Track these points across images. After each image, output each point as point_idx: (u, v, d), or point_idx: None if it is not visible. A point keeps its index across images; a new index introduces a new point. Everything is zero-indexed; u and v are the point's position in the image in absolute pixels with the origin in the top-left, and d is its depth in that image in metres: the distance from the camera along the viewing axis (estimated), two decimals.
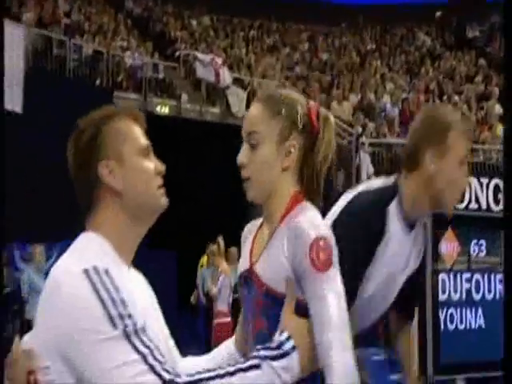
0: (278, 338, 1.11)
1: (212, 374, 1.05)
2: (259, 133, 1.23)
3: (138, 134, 1.20)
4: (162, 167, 1.20)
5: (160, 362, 1.03)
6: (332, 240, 1.17)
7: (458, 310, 2.74)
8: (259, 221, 1.33)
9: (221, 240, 5.78)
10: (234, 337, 1.33)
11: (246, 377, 1.05)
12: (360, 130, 10.68)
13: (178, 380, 1.03)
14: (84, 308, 1.04)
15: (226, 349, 1.33)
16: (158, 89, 10.89)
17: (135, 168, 1.16)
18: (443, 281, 2.73)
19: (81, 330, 1.03)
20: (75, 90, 9.11)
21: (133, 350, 1.02)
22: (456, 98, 12.05)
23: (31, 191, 7.55)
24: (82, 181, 1.18)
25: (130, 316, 1.05)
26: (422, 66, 13.71)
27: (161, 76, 11.15)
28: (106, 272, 1.07)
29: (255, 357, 1.08)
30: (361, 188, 1.64)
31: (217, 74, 11.27)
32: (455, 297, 2.73)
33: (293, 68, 13.23)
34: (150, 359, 1.02)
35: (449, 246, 2.77)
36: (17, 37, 8.08)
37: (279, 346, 1.09)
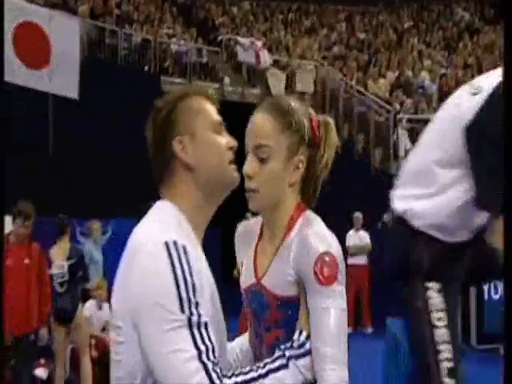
0: (298, 337, 1.11)
1: (247, 377, 1.05)
2: (269, 147, 1.16)
3: (210, 110, 1.18)
4: (234, 142, 1.17)
5: (213, 363, 1.02)
6: (339, 256, 1.13)
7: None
8: (254, 223, 1.27)
9: (250, 216, 5.64)
10: (247, 334, 1.29)
11: (276, 377, 1.06)
12: (398, 107, 10.36)
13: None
14: (159, 284, 1.02)
15: (239, 345, 1.29)
16: (202, 73, 10.88)
17: (207, 142, 1.14)
18: None
19: (153, 303, 1.02)
20: (126, 76, 9.20)
21: (191, 342, 1.01)
22: None
23: (89, 173, 7.72)
24: (158, 158, 1.16)
25: (197, 305, 1.03)
26: (460, 41, 13.11)
27: (204, 60, 11.12)
28: (184, 248, 1.05)
29: (282, 356, 1.09)
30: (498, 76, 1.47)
31: (257, 57, 11.16)
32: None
33: (330, 48, 12.91)
34: (204, 357, 1.01)
35: None
36: (73, 28, 8.19)
37: (301, 346, 1.10)
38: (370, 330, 7.82)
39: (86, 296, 5.10)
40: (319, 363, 1.09)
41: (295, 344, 1.10)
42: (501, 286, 2.63)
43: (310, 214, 1.19)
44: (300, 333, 1.11)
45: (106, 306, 5.11)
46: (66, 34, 7.88)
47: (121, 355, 1.07)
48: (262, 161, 1.16)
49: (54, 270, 4.54)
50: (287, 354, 1.09)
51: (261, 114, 1.19)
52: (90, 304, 5.16)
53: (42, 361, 4.72)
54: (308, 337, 1.10)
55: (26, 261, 4.11)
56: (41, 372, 4.61)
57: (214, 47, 11.68)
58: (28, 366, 4.17)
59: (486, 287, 2.57)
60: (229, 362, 1.21)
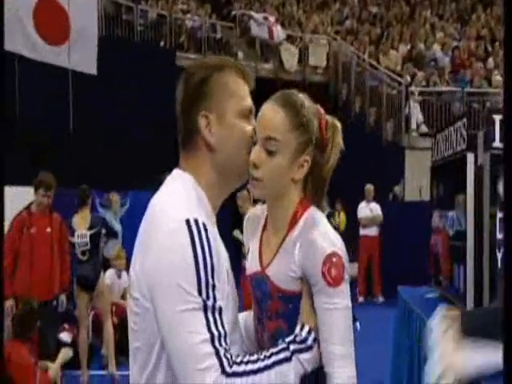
0: (300, 332, 1.10)
1: (255, 366, 1.03)
2: (278, 141, 1.13)
3: (244, 94, 1.12)
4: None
5: (225, 349, 0.99)
6: (344, 254, 1.13)
7: None
8: (261, 211, 1.25)
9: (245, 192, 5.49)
10: (251, 313, 1.27)
11: (281, 369, 1.05)
12: (409, 79, 10.11)
13: (230, 370, 0.99)
14: (178, 262, 0.98)
15: (244, 322, 1.27)
16: (216, 48, 10.70)
17: (232, 128, 1.10)
18: (501, 219, 2.50)
19: (171, 282, 0.98)
20: (142, 53, 9.09)
21: (205, 326, 0.98)
22: None
23: (108, 147, 7.70)
24: (183, 124, 1.11)
25: (213, 288, 0.99)
26: (474, 13, 12.67)
27: (218, 36, 10.94)
28: (205, 227, 1.01)
29: (286, 349, 1.07)
30: None
31: (270, 32, 10.95)
32: None
33: (343, 22, 12.59)
34: (217, 342, 0.98)
35: None
36: (91, 4, 8.07)
37: (304, 341, 1.09)
38: (380, 299, 7.80)
39: (106, 265, 5.14)
40: (328, 361, 1.10)
41: (298, 338, 1.09)
42: None
43: (314, 211, 1.18)
44: (302, 327, 1.10)
45: (124, 274, 5.14)
46: (84, 11, 7.77)
47: (138, 325, 1.05)
48: (270, 153, 1.14)
49: (77, 239, 4.55)
50: (291, 347, 1.08)
51: (274, 106, 1.15)
52: (110, 273, 5.20)
53: (66, 326, 4.79)
54: (309, 331, 1.10)
55: (48, 229, 4.13)
56: (65, 336, 4.68)
57: (228, 22, 11.47)
58: (52, 330, 4.22)
59: (499, 254, 2.48)
60: (241, 334, 1.19)
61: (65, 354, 3.75)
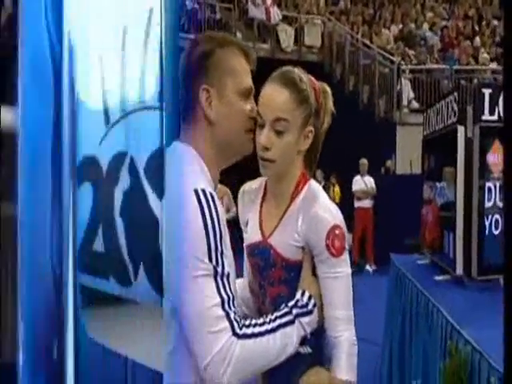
0: (302, 297, 1.12)
1: (262, 329, 1.04)
2: (287, 121, 1.12)
3: (246, 75, 1.10)
4: (255, 112, 1.11)
5: (234, 312, 1.00)
6: (344, 226, 1.14)
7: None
8: (257, 183, 1.24)
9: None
10: (246, 281, 1.27)
11: (285, 331, 1.07)
12: (401, 58, 9.98)
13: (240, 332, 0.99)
14: (189, 229, 0.97)
15: (239, 290, 1.26)
16: (216, 29, 10.50)
17: (231, 106, 1.07)
18: (489, 189, 2.50)
19: (182, 249, 0.97)
20: None
21: (216, 291, 0.98)
22: (495, 22, 10.93)
23: None
24: (185, 94, 1.08)
25: (222, 254, 0.99)
26: None
27: (217, 17, 10.73)
28: (212, 196, 1.00)
29: (289, 313, 1.09)
30: None
31: (267, 13, 10.76)
32: (501, 204, 2.51)
33: (337, 3, 12.34)
34: (227, 306, 0.98)
35: (496, 156, 2.51)
36: None
37: (305, 306, 1.11)
38: (373, 267, 7.86)
39: None
40: (332, 325, 1.13)
41: (299, 303, 1.11)
42: (501, 222, 2.55)
43: (314, 183, 1.18)
44: (303, 293, 1.12)
45: None
46: None
47: None
48: (278, 133, 1.12)
49: None
50: (294, 311, 1.10)
51: (276, 87, 1.13)
52: None
53: None
54: (310, 297, 1.12)
55: None
56: None
57: (227, 4, 11.25)
58: None
59: (487, 222, 2.49)
60: (238, 301, 1.18)
61: None
